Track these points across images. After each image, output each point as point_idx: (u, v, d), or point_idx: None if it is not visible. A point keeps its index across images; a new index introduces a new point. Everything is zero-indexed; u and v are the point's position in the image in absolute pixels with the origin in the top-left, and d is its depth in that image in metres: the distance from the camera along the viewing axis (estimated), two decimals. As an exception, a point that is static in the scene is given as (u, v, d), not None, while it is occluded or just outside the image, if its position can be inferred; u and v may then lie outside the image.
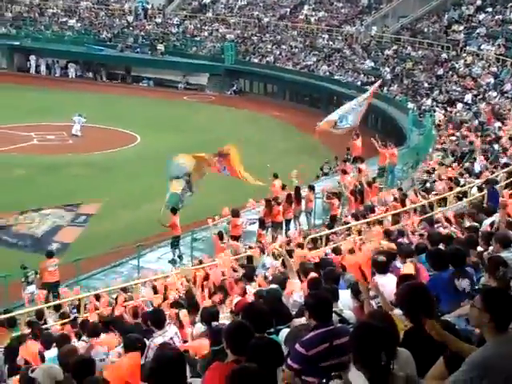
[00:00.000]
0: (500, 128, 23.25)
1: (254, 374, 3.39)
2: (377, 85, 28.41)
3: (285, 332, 5.95)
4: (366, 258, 6.03)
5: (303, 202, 19.75)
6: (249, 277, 10.71)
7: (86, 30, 47.54)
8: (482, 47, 33.64)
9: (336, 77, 38.37)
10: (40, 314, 12.68)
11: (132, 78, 45.30)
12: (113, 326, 9.35)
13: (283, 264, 10.75)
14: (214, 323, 7.29)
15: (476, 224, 10.71)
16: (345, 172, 21.31)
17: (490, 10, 36.48)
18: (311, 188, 20.11)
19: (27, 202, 22.73)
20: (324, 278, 7.33)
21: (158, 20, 47.94)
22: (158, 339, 7.56)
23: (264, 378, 3.36)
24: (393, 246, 9.54)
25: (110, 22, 48.20)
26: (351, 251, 9.17)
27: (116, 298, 13.08)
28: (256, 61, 42.43)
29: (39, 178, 25.92)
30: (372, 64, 38.01)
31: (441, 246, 8.38)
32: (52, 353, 8.42)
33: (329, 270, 7.66)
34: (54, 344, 8.75)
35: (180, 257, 18.75)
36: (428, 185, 19.20)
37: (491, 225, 9.74)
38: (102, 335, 8.91)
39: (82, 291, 14.76)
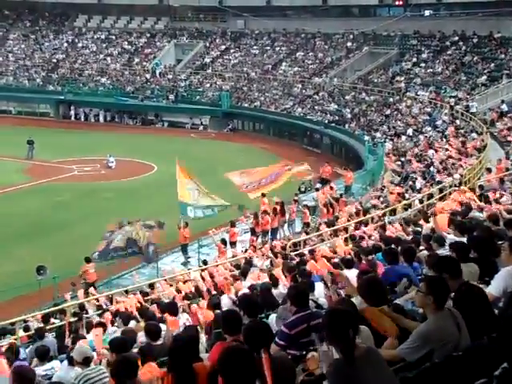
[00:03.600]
0: (433, 155, 23.40)
1: (240, 352, 3.31)
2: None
3: (273, 316, 5.95)
4: (324, 264, 6.15)
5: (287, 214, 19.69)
6: (244, 274, 10.71)
7: (114, 86, 47.58)
8: (418, 93, 33.95)
9: (308, 117, 38.49)
10: (82, 306, 12.63)
11: (150, 121, 45.29)
12: (141, 316, 9.29)
13: (271, 263, 10.76)
14: (217, 311, 7.28)
15: (418, 228, 10.78)
16: (318, 190, 21.35)
17: (423, 65, 36.90)
18: (296, 201, 19.98)
19: (70, 218, 22.74)
20: (299, 275, 7.37)
21: (170, 76, 48.03)
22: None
23: (249, 355, 3.24)
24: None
25: (132, 79, 48.27)
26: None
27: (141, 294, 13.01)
28: (246, 105, 42.52)
29: (79, 200, 25.87)
30: (336, 106, 38.18)
31: (392, 246, 8.42)
32: (90, 336, 8.40)
33: (302, 270, 7.71)
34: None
35: (188, 259, 18.69)
36: (381, 199, 19.25)
37: (431, 229, 9.81)
38: (132, 322, 8.86)
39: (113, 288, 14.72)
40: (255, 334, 3.84)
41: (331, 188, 21.41)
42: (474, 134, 24.62)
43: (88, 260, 16.13)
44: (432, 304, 3.91)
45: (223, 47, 48.88)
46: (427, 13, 41.45)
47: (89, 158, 33.20)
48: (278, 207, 19.34)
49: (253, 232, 18.38)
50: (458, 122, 27.80)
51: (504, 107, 26.43)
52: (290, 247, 13.62)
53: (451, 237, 7.29)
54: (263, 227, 18.57)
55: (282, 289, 7.92)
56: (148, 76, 48.12)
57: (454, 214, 10.13)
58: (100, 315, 11.24)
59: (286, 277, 8.21)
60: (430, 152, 24.11)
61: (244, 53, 47.53)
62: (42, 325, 10.56)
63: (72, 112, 45.77)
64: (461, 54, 35.34)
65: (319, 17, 44.85)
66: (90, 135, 39.09)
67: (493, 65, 32.45)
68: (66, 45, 52.56)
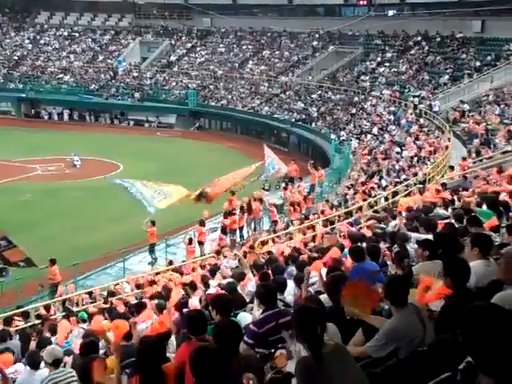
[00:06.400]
0: (398, 153, 23.79)
1: (213, 351, 3.25)
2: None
3: (242, 315, 5.96)
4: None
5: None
6: (212, 273, 10.71)
7: (77, 84, 46.80)
8: (383, 92, 34.43)
9: (275, 115, 38.62)
10: (47, 308, 12.42)
11: (116, 119, 44.64)
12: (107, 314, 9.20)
13: (240, 263, 10.78)
14: (184, 310, 7.24)
15: (383, 225, 10.94)
16: (285, 188, 21.39)
17: (387, 64, 37.43)
18: (260, 199, 20.04)
19: (34, 219, 22.29)
20: (272, 272, 7.39)
21: (135, 74, 47.49)
22: (141, 325, 7.47)
23: (222, 354, 3.15)
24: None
25: (96, 77, 47.57)
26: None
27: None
28: (213, 104, 42.40)
29: (43, 200, 25.37)
30: (302, 105, 38.39)
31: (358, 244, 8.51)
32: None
33: (276, 266, 7.72)
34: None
35: (155, 259, 18.55)
36: (348, 197, 19.45)
37: (394, 226, 9.96)
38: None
39: (77, 289, 14.54)
40: (226, 332, 3.84)
41: (299, 186, 21.53)
42: (437, 133, 25.13)
43: (53, 261, 15.89)
44: (391, 304, 4.00)
45: (189, 45, 48.61)
46: (391, 13, 42.10)
47: (53, 157, 32.59)
48: (245, 205, 19.35)
49: (222, 231, 18.35)
50: (421, 120, 28.31)
51: (466, 106, 27.01)
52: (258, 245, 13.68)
53: (416, 235, 7.41)
54: (231, 226, 18.58)
55: (250, 287, 7.94)
56: (112, 74, 47.47)
57: (418, 211, 10.33)
58: (65, 317, 11.06)
59: (254, 275, 8.22)
60: (395, 150, 24.52)
61: (210, 51, 47.37)
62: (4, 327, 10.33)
63: (35, 110, 44.80)
64: (424, 54, 36.00)
65: (285, 16, 45.06)
66: (54, 134, 38.31)
67: (455, 64, 33.15)
68: (27, 41, 51.43)
